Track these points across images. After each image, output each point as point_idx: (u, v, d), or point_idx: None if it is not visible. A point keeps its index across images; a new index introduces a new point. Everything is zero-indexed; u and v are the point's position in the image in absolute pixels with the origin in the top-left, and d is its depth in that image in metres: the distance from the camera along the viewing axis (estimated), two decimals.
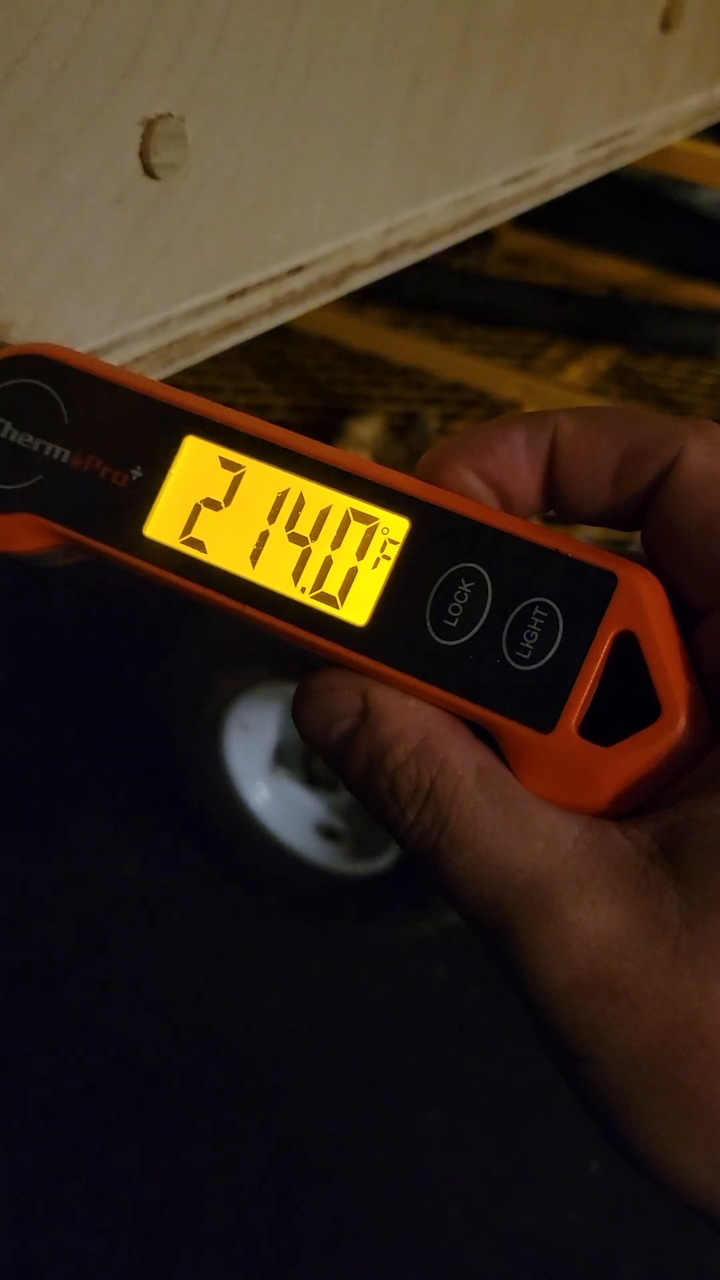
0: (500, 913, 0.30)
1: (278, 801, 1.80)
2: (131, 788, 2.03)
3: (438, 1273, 1.51)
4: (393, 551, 0.33)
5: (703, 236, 2.77)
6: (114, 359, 0.45)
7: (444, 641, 0.33)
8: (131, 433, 0.36)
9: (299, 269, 0.54)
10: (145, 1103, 1.64)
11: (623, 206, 2.44)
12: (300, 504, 0.34)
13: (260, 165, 0.49)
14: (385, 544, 0.33)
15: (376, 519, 0.34)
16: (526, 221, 2.04)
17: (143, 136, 0.42)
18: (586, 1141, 1.61)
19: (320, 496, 0.34)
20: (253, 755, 1.79)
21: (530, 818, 0.31)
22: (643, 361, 1.89)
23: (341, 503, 0.34)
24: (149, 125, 0.42)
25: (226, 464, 0.35)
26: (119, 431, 0.36)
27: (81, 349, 0.42)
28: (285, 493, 0.34)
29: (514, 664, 0.32)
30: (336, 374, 1.80)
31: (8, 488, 0.36)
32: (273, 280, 0.52)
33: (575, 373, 1.80)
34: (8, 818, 1.98)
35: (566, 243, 2.16)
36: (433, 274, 1.80)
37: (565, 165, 0.77)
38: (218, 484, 0.35)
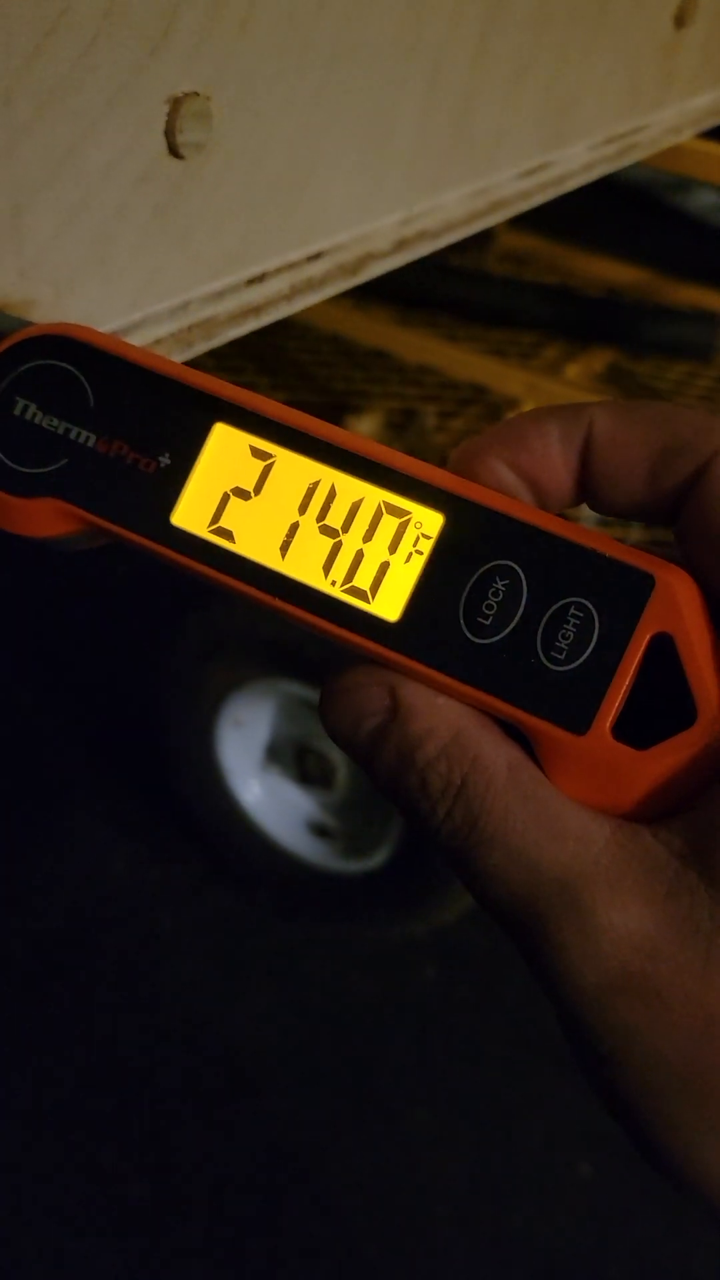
0: (531, 910, 0.30)
1: (270, 798, 1.80)
2: (121, 783, 2.02)
3: (425, 1272, 1.51)
4: (426, 546, 0.33)
5: (698, 240, 2.77)
6: (134, 340, 0.45)
7: (477, 639, 0.32)
8: (159, 418, 0.35)
9: (318, 255, 0.53)
10: (133, 1100, 1.63)
11: (619, 208, 2.44)
12: (332, 495, 0.34)
13: (283, 149, 0.48)
14: (418, 538, 0.33)
15: (410, 513, 0.33)
16: (524, 221, 2.04)
17: (169, 115, 0.42)
18: (575, 1142, 1.61)
19: (353, 488, 0.34)
20: (245, 752, 1.78)
21: (562, 817, 0.30)
22: (639, 363, 1.89)
23: (374, 495, 0.33)
24: (175, 103, 0.41)
25: (256, 453, 0.34)
26: (146, 417, 0.35)
27: (102, 329, 0.42)
28: (316, 484, 0.34)
29: (548, 664, 0.31)
30: (335, 370, 1.80)
31: (31, 471, 0.36)
32: (291, 266, 0.52)
33: (572, 373, 1.80)
34: None
35: (564, 243, 2.16)
36: (431, 271, 1.80)
37: (578, 160, 0.76)
38: (247, 473, 0.34)
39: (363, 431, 1.59)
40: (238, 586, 0.34)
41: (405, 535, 0.33)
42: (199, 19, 0.41)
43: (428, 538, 0.33)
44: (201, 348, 0.48)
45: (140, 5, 0.38)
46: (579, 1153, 1.60)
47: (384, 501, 0.33)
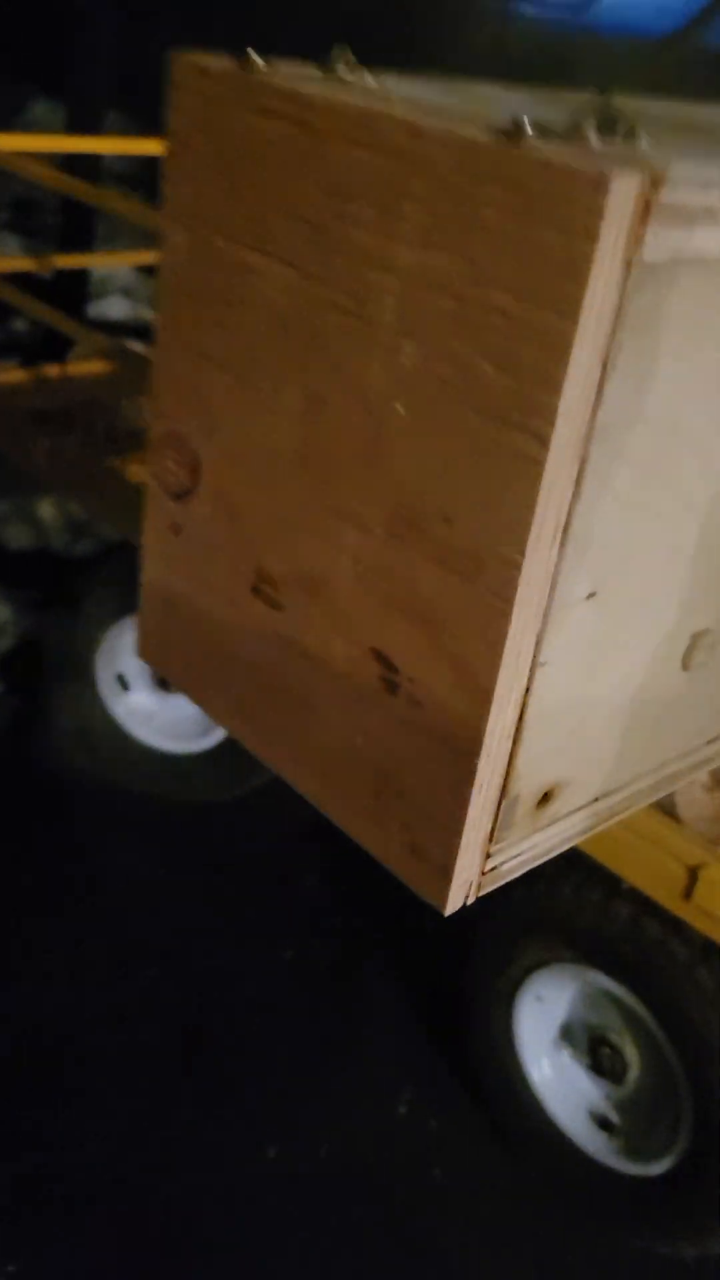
0: None
1: (558, 1077, 1.89)
2: (414, 1029, 2.17)
3: None
4: None
5: None
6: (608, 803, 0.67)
7: None
8: None
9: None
10: None
11: None
12: None
13: None
14: None
15: None
16: None
17: (689, 644, 0.65)
18: None
19: None
20: (541, 1027, 1.89)
21: None
22: None
23: None
24: (695, 637, 0.65)
25: None
26: None
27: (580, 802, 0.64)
28: None
29: None
30: None
31: None
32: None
33: None
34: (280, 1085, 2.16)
35: None
36: None
37: None
38: None
39: None
40: None
41: None
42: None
43: None
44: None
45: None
46: None
47: None
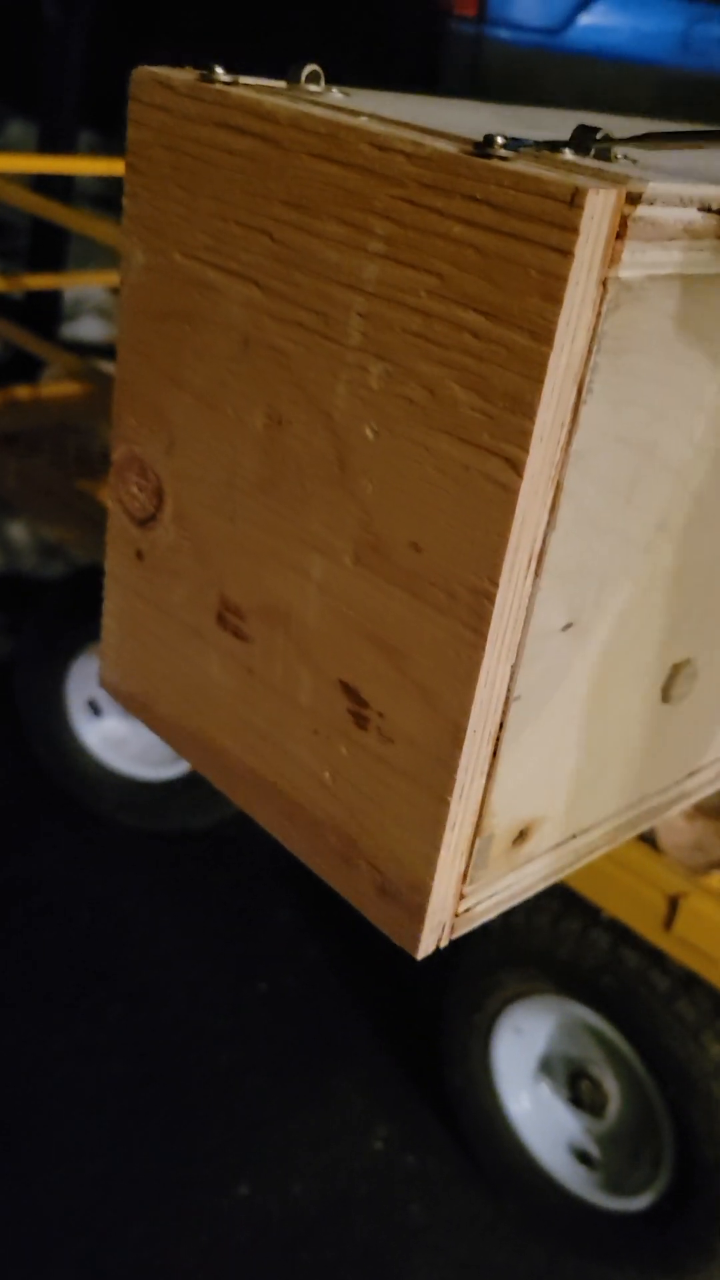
0: None
1: (536, 1111, 1.85)
2: (387, 1061, 2.13)
3: None
4: None
5: None
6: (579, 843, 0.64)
7: None
8: None
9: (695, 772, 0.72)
10: None
11: None
12: None
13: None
14: None
15: None
16: None
17: (669, 675, 0.62)
18: None
19: None
20: (520, 1060, 1.86)
21: None
22: None
23: None
24: (675, 668, 0.62)
25: None
26: None
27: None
28: None
29: None
30: None
31: None
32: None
33: None
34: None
35: None
36: None
37: None
38: None
39: None
40: None
41: None
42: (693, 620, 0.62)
43: None
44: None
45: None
46: None
47: None
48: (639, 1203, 1.69)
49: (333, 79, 0.64)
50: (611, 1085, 1.75)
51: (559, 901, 1.65)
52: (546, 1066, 1.86)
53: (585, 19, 2.77)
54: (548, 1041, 1.85)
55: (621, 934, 1.59)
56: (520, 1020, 1.83)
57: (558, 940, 1.66)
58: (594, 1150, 1.80)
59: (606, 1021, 1.68)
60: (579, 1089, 1.80)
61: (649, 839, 1.59)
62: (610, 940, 1.61)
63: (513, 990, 1.79)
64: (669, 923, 1.51)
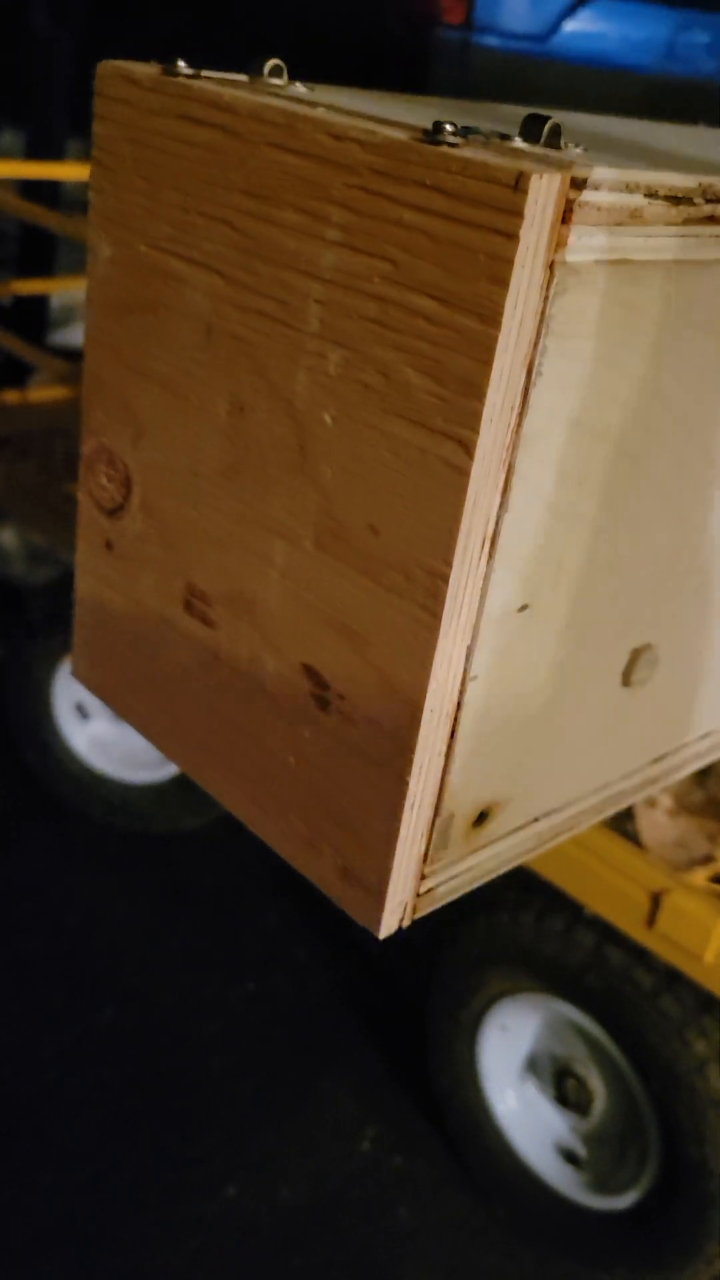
0: None
1: (522, 1109, 1.85)
2: (376, 1061, 2.13)
3: None
4: None
5: None
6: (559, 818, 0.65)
7: None
8: None
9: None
10: None
11: None
12: None
13: (686, 683, 0.69)
14: None
15: None
16: None
17: (629, 660, 0.63)
18: None
19: None
20: (506, 1057, 1.86)
21: None
22: None
23: None
24: (635, 653, 0.63)
25: None
26: None
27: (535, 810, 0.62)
28: None
29: None
30: None
31: None
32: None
33: None
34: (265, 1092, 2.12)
35: None
36: None
37: None
38: None
39: None
40: None
41: None
42: (652, 594, 0.63)
43: None
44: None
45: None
46: None
47: None
48: (625, 1201, 1.69)
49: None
50: (597, 1083, 1.75)
51: (542, 899, 1.66)
52: (532, 1065, 1.86)
53: (571, 26, 2.80)
54: (533, 1040, 1.85)
55: (605, 931, 1.59)
56: (506, 1018, 1.84)
57: (542, 938, 1.67)
58: (580, 1149, 1.80)
59: (591, 1019, 1.68)
60: (565, 1087, 1.80)
61: (632, 836, 1.60)
62: (594, 938, 1.61)
63: (498, 988, 1.80)
64: (652, 920, 1.52)
